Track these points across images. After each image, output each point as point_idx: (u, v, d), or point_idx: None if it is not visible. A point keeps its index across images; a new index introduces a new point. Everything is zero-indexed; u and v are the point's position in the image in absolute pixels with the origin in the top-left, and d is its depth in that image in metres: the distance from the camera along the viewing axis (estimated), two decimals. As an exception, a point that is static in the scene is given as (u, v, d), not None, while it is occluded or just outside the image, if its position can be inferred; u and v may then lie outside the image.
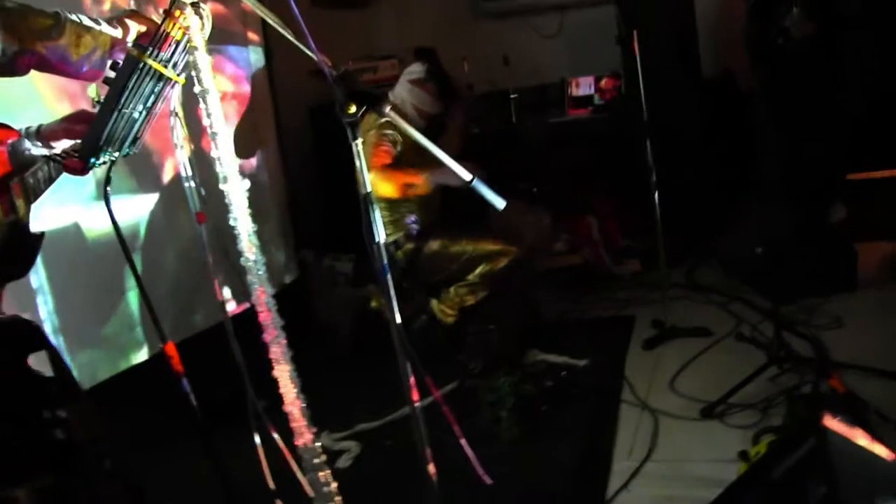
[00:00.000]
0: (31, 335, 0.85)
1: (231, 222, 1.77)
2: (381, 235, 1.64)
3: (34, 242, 1.80)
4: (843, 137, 4.75)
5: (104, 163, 1.72)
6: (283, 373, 1.76)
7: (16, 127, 1.82)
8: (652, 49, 4.10)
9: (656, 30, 4.50)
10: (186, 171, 1.90)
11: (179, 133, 1.88)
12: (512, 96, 5.57)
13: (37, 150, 1.81)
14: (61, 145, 1.85)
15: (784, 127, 4.77)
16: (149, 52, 1.57)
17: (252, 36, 4.62)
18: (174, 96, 1.82)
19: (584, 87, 5.56)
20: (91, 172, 1.71)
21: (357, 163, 1.62)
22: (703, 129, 4.96)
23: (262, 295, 1.80)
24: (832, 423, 1.76)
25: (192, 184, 1.91)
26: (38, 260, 1.84)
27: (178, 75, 1.76)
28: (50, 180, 1.88)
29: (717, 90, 5.19)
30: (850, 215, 4.74)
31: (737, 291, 4.26)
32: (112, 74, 1.59)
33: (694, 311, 4.19)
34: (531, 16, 5.90)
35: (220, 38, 4.22)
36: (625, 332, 4.02)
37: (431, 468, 1.86)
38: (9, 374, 0.83)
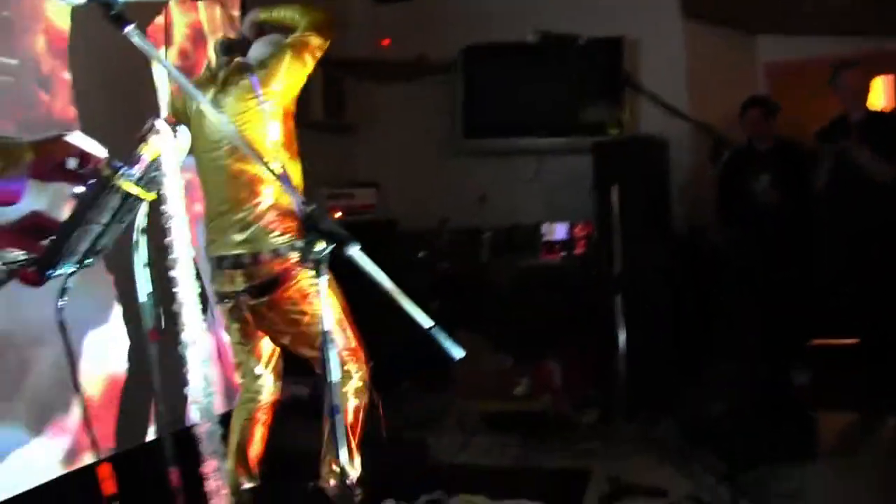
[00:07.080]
0: None
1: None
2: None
3: None
4: (810, 303, 4.83)
5: (61, 274, 1.65)
6: None
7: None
8: (626, 202, 4.18)
9: (631, 184, 4.61)
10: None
11: (143, 251, 1.84)
12: (484, 235, 5.64)
13: None
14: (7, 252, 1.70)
15: (750, 288, 4.86)
16: (120, 174, 1.54)
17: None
18: (142, 212, 1.76)
19: (558, 232, 5.65)
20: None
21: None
22: (671, 284, 5.02)
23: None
24: None
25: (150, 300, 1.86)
26: None
27: (149, 192, 1.71)
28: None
29: (687, 247, 5.30)
30: (813, 382, 4.76)
31: (695, 452, 4.18)
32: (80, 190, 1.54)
33: (651, 468, 4.10)
34: (510, 158, 6.06)
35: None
36: (580, 486, 3.91)
37: None
38: None
